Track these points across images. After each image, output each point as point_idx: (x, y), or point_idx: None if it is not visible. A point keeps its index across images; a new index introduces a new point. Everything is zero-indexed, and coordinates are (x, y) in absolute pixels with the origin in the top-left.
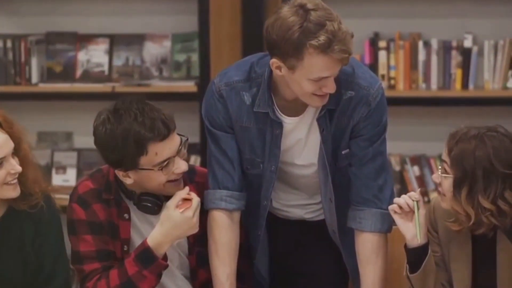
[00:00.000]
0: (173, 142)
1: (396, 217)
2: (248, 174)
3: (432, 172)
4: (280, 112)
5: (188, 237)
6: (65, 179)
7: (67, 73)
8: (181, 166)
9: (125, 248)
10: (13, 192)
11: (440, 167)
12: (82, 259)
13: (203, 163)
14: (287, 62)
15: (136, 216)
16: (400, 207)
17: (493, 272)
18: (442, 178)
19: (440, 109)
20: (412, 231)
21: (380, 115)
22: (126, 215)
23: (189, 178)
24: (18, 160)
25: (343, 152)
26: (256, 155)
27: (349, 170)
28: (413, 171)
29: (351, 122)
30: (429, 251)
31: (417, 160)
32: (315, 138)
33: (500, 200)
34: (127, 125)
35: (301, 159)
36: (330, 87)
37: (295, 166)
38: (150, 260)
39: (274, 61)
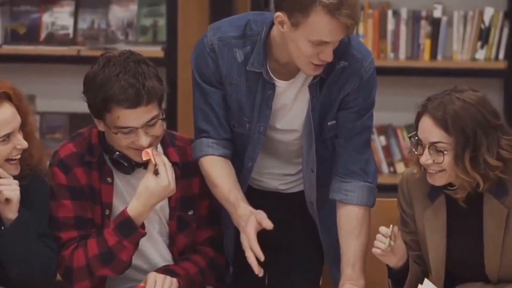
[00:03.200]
0: (142, 115)
1: (378, 255)
2: (235, 132)
3: (398, 142)
4: (271, 74)
5: (169, 201)
6: None
7: (31, 35)
8: (141, 141)
9: (107, 212)
10: (13, 171)
11: (431, 150)
12: (60, 226)
13: (170, 128)
14: (292, 17)
15: (119, 180)
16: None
17: (466, 240)
18: (440, 156)
19: (408, 79)
20: (394, 260)
21: (370, 88)
22: (109, 179)
23: (171, 142)
24: (23, 135)
25: (329, 123)
26: (243, 114)
27: (336, 141)
28: (379, 141)
29: (342, 93)
30: (410, 266)
31: (384, 130)
32: (302, 104)
33: (502, 151)
34: (106, 78)
35: (282, 124)
36: (328, 55)
37: (275, 130)
38: (130, 230)
39: (279, 15)
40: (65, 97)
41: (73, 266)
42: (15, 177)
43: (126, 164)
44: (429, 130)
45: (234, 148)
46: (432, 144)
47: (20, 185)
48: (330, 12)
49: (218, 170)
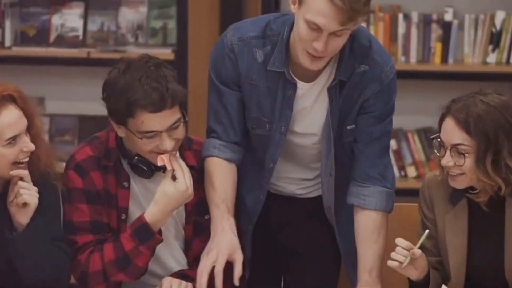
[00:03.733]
0: (166, 118)
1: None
2: (254, 135)
3: (409, 146)
4: (292, 74)
5: (186, 206)
6: None
7: (41, 37)
8: (166, 145)
9: (123, 216)
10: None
11: (452, 152)
12: (75, 230)
13: None
14: None
15: (136, 184)
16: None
17: (487, 244)
18: (461, 159)
19: (418, 82)
20: (415, 273)
21: (390, 93)
22: (125, 183)
23: (188, 146)
24: (30, 138)
25: (348, 127)
26: (263, 115)
27: (355, 146)
28: (390, 145)
29: (362, 97)
30: (431, 275)
31: (395, 133)
32: (321, 108)
33: None
34: (128, 83)
35: (301, 127)
36: (319, 44)
37: (294, 134)
38: (147, 236)
39: None
40: (75, 99)
41: (88, 270)
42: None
43: (146, 169)
44: (451, 131)
45: (253, 152)
46: (454, 146)
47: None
48: None
49: (219, 174)
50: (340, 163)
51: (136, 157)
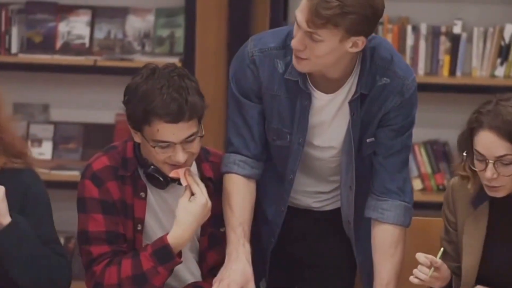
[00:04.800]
0: (182, 130)
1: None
2: (274, 146)
3: (416, 159)
4: (311, 84)
5: None
6: (41, 152)
7: (47, 44)
8: (178, 156)
9: (139, 227)
10: None
11: (496, 164)
12: (91, 240)
13: None
14: None
15: (152, 195)
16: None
17: (504, 248)
18: (508, 168)
19: (426, 95)
20: (437, 284)
21: (411, 107)
22: (142, 194)
23: (205, 158)
24: None
25: (368, 140)
26: (283, 125)
27: (374, 159)
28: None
29: (382, 110)
30: (454, 284)
31: None
32: (342, 121)
33: None
34: (149, 90)
35: (320, 141)
36: (294, 40)
37: (313, 147)
38: (167, 258)
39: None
40: (80, 107)
41: (104, 282)
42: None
43: (161, 179)
44: (494, 144)
45: (274, 164)
46: (499, 158)
47: (7, 186)
48: None
49: (238, 194)
50: (360, 176)
51: (152, 166)
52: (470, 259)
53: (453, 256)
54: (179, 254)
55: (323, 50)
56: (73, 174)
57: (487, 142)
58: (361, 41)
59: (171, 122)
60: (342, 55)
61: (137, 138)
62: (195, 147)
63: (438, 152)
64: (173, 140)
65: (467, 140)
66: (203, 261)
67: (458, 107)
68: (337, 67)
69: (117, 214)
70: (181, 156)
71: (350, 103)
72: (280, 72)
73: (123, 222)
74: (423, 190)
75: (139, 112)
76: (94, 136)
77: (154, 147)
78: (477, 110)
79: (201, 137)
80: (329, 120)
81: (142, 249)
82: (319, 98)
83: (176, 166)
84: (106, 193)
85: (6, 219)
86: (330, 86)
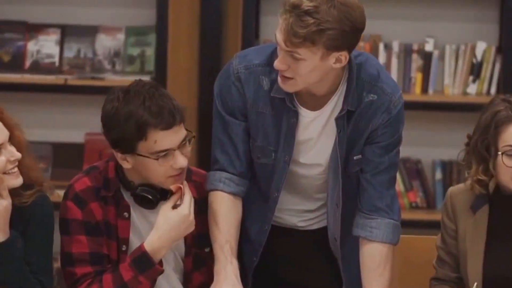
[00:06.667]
0: (177, 134)
1: None
2: (259, 164)
3: None
4: (297, 101)
5: (185, 238)
6: None
7: (16, 63)
8: (180, 161)
9: (124, 248)
10: (15, 180)
11: None
12: (74, 262)
13: None
14: None
15: (136, 215)
16: None
17: (505, 251)
18: None
19: None
20: None
21: (398, 124)
22: (126, 214)
23: (188, 177)
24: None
25: (355, 158)
26: (268, 143)
27: (361, 176)
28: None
29: (370, 127)
30: None
31: None
32: (328, 138)
33: None
34: (133, 107)
35: (306, 158)
36: (276, 60)
37: (298, 164)
38: (146, 265)
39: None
40: (49, 126)
41: None
42: (21, 188)
43: (150, 197)
44: None
45: (258, 182)
46: None
47: (21, 206)
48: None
49: (224, 211)
50: (346, 193)
51: (139, 187)
52: (474, 261)
53: (452, 266)
54: (160, 263)
55: (306, 68)
56: None
57: None
58: (344, 56)
59: (166, 128)
60: (327, 71)
61: (127, 164)
62: (189, 150)
63: (411, 170)
64: (171, 147)
65: (488, 143)
66: (188, 282)
67: (431, 125)
68: (324, 83)
69: (101, 234)
70: (182, 160)
71: (336, 119)
72: (265, 89)
73: (107, 243)
74: None
75: (131, 131)
76: (64, 155)
77: (157, 159)
78: (494, 111)
79: (194, 137)
80: (316, 137)
81: (122, 261)
82: (305, 116)
83: (177, 176)
84: (89, 214)
85: (2, 236)
86: (316, 102)
